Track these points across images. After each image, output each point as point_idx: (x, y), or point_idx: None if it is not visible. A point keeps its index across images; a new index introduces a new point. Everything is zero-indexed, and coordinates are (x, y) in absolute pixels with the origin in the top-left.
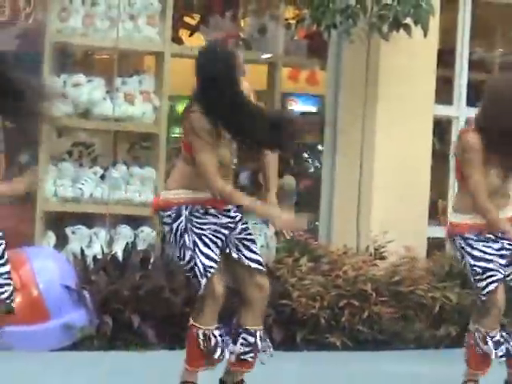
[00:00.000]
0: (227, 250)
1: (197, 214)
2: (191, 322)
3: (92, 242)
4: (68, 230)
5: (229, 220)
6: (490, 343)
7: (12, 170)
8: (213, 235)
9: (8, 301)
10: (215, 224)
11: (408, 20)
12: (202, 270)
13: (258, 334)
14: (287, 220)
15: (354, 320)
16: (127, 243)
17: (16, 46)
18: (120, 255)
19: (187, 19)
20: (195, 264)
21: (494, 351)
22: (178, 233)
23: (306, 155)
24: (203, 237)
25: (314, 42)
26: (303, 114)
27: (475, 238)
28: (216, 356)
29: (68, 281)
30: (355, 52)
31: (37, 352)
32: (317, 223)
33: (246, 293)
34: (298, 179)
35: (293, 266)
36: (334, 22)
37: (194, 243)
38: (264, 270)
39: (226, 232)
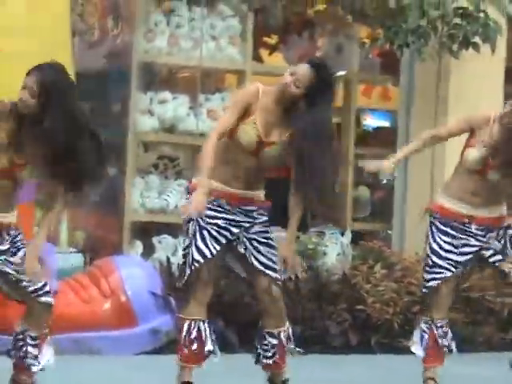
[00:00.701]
0: (234, 243)
1: (209, 205)
2: (179, 314)
3: (177, 251)
4: (154, 240)
5: (245, 219)
6: (437, 331)
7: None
8: (216, 231)
9: (33, 295)
10: (225, 219)
11: (476, 39)
12: (190, 261)
13: (281, 334)
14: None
15: None
16: None
17: (103, 65)
18: None
19: (267, 39)
20: (188, 253)
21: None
22: (187, 219)
23: None
24: (204, 230)
25: (387, 59)
26: (377, 128)
27: (440, 226)
28: (195, 347)
29: (154, 287)
30: (426, 69)
31: (125, 356)
32: (390, 232)
33: (258, 296)
34: (371, 190)
35: (367, 273)
36: (407, 41)
37: (194, 234)
38: (269, 273)
39: (236, 230)
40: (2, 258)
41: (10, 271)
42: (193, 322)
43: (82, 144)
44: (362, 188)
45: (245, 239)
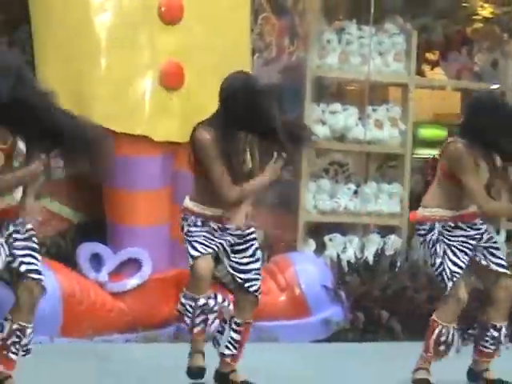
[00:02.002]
0: (477, 258)
1: (448, 228)
2: (434, 317)
3: (346, 248)
4: (326, 238)
5: (476, 232)
6: None
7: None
8: (461, 245)
9: (256, 293)
10: (463, 236)
11: None
12: (448, 275)
13: (503, 329)
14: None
15: None
16: (377, 249)
17: (280, 80)
18: (371, 259)
19: (429, 55)
20: (443, 269)
21: None
22: (431, 243)
23: None
24: (452, 247)
25: None
26: None
27: None
28: (445, 350)
29: (326, 281)
30: None
31: (300, 343)
32: None
33: (492, 293)
34: None
35: None
36: None
37: (444, 252)
38: (509, 273)
39: (473, 242)
40: (234, 255)
41: (237, 274)
42: (444, 329)
43: None
44: None
45: (483, 250)
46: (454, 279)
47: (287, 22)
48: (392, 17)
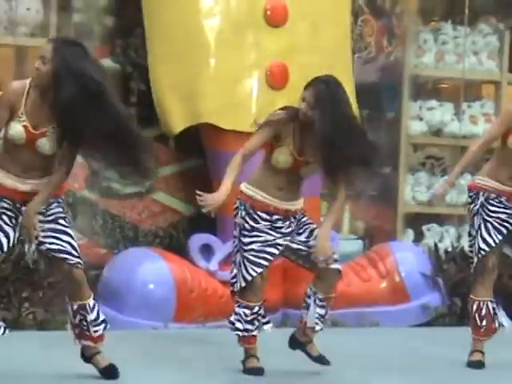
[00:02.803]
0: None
1: (491, 201)
2: (470, 296)
3: (443, 238)
4: (424, 228)
5: None
6: None
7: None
8: (498, 223)
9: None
10: (506, 213)
11: None
12: (476, 251)
13: None
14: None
15: None
16: None
17: (378, 78)
18: (467, 248)
19: None
20: (474, 243)
21: None
22: (472, 213)
23: None
24: (488, 223)
25: None
26: None
27: None
28: (484, 323)
29: (424, 269)
30: None
31: (400, 327)
32: None
33: None
34: None
35: None
36: None
37: (479, 226)
38: None
39: None
40: (287, 237)
41: (300, 247)
42: (481, 302)
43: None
44: None
45: None
46: (479, 256)
47: (385, 23)
48: (485, 17)
